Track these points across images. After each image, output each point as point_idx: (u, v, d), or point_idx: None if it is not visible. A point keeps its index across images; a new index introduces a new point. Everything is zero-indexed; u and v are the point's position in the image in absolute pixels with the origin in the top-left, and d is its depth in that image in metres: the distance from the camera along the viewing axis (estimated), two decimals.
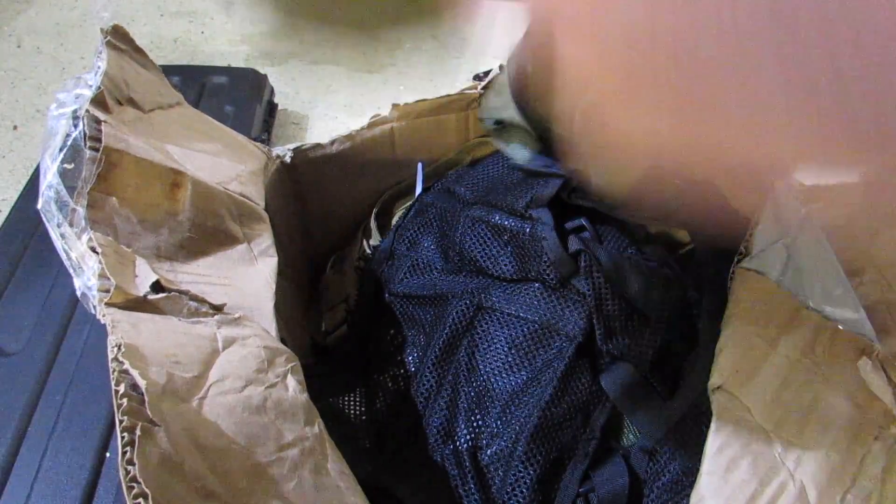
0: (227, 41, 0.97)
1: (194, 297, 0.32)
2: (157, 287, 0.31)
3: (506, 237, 0.44)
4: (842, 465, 0.30)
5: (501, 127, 0.44)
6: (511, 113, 0.41)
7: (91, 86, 0.35)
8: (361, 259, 0.54)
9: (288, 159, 0.50)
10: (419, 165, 0.56)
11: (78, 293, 0.31)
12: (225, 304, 0.33)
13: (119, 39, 0.39)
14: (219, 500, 0.24)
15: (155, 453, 0.23)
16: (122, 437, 0.23)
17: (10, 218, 0.65)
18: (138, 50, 0.40)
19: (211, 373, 0.29)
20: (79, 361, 0.53)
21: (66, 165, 0.32)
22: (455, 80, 0.94)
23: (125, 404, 0.24)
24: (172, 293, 0.31)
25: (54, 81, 0.92)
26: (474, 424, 0.39)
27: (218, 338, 0.31)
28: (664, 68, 0.15)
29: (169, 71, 0.44)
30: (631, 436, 0.40)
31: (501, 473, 0.36)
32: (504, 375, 0.40)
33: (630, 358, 0.39)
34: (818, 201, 0.43)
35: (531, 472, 0.36)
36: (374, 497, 0.30)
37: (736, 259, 0.39)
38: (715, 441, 0.31)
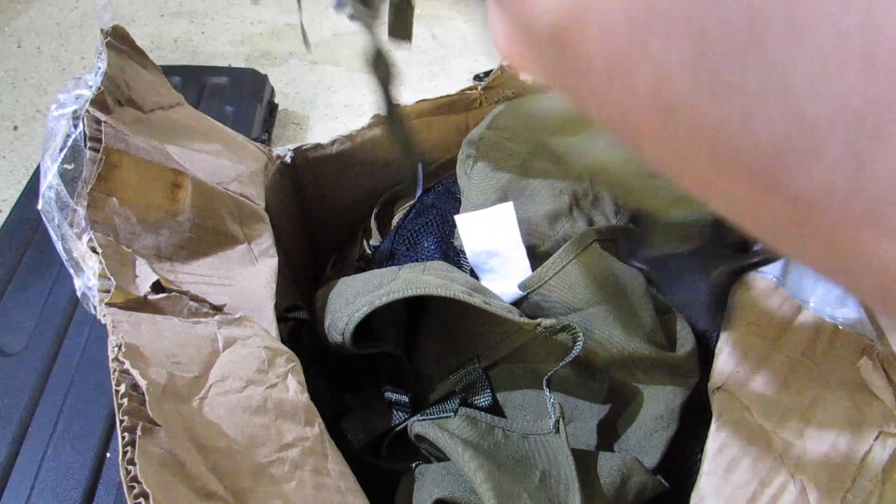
0: (227, 41, 0.97)
1: (195, 298, 0.32)
2: (157, 287, 0.31)
3: None
4: (842, 466, 0.30)
5: None
6: None
7: (91, 86, 0.35)
8: (361, 259, 0.54)
9: (288, 159, 0.50)
10: (419, 166, 0.56)
11: (78, 293, 0.31)
12: (225, 305, 0.33)
13: (119, 40, 0.39)
14: (219, 500, 0.24)
15: (155, 453, 0.23)
16: (123, 437, 0.23)
17: (11, 218, 0.65)
18: (138, 50, 0.40)
19: (211, 373, 0.29)
20: (79, 361, 0.53)
21: (66, 166, 0.32)
22: (455, 80, 0.94)
23: (126, 404, 0.24)
24: (173, 293, 0.31)
25: (55, 82, 0.92)
26: None
27: (218, 338, 0.31)
28: None
29: (169, 71, 0.44)
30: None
31: None
32: None
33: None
34: None
35: None
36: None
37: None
38: (715, 441, 0.31)
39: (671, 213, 0.28)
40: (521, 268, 0.43)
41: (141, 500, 0.22)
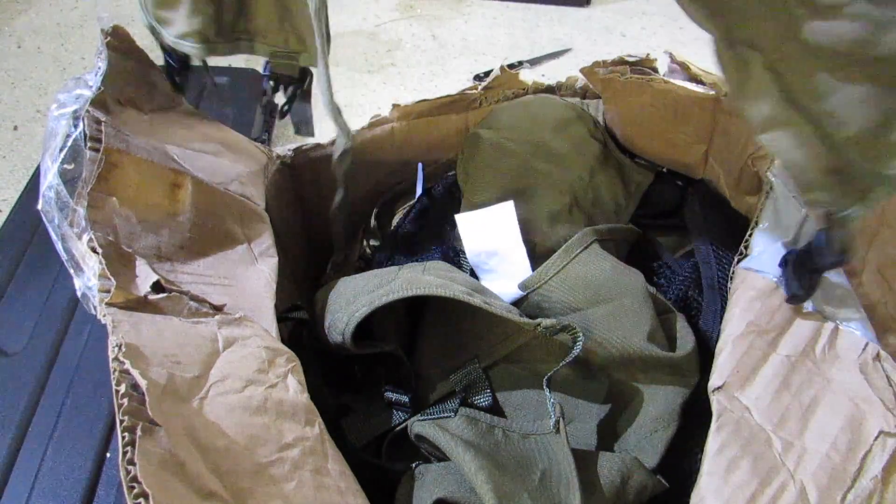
0: None
1: (195, 298, 0.32)
2: (157, 287, 0.31)
3: None
4: (842, 465, 0.30)
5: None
6: None
7: (91, 86, 0.35)
8: (361, 259, 0.54)
9: (288, 159, 0.50)
10: (419, 166, 0.56)
11: (78, 293, 0.31)
12: (225, 305, 0.33)
13: (119, 40, 0.39)
14: (219, 500, 0.24)
15: (155, 453, 0.23)
16: (123, 437, 0.23)
17: (11, 218, 0.65)
18: (138, 50, 0.40)
19: (211, 373, 0.29)
20: (79, 361, 0.53)
21: (66, 166, 0.32)
22: (455, 80, 0.94)
23: (126, 404, 0.24)
24: (173, 293, 0.31)
25: (55, 82, 0.92)
26: None
27: (218, 338, 0.31)
28: None
29: None
30: None
31: None
32: None
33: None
34: None
35: None
36: None
37: (736, 259, 0.39)
38: (715, 441, 0.31)
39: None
40: (521, 268, 0.43)
41: (141, 500, 0.22)
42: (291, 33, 0.40)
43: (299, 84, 0.45)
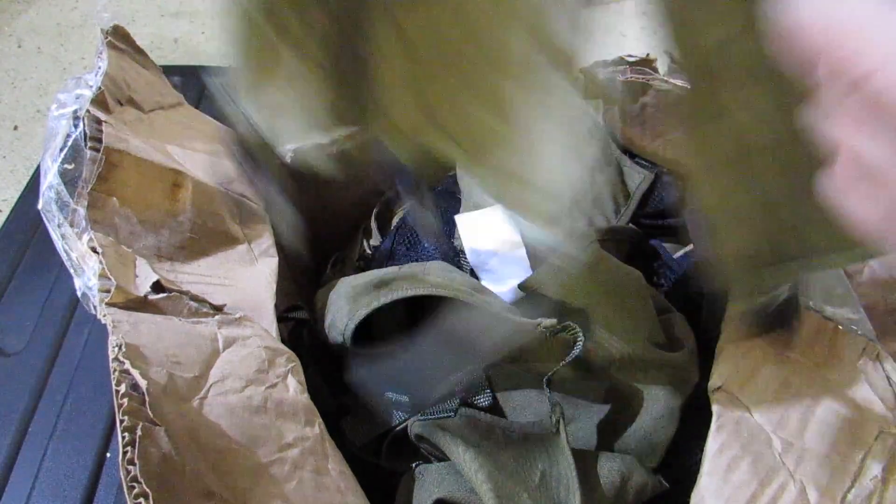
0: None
1: (195, 298, 0.32)
2: (157, 287, 0.31)
3: None
4: (842, 465, 0.30)
5: None
6: None
7: (92, 86, 0.35)
8: (361, 259, 0.54)
9: (288, 159, 0.50)
10: None
11: (78, 293, 0.31)
12: (225, 305, 0.33)
13: (120, 40, 0.39)
14: (219, 500, 0.24)
15: (156, 453, 0.23)
16: (123, 437, 0.23)
17: (11, 218, 0.65)
18: (139, 50, 0.40)
19: (211, 373, 0.29)
20: (79, 361, 0.53)
21: (66, 166, 0.33)
22: None
23: (126, 404, 0.24)
24: (173, 293, 0.31)
25: (55, 82, 0.92)
26: None
27: (218, 338, 0.31)
28: None
29: (169, 71, 0.44)
30: None
31: None
32: None
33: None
34: None
35: None
36: None
37: None
38: (715, 441, 0.31)
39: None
40: (521, 268, 0.43)
41: (141, 500, 0.22)
42: (434, 128, 0.28)
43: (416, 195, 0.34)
